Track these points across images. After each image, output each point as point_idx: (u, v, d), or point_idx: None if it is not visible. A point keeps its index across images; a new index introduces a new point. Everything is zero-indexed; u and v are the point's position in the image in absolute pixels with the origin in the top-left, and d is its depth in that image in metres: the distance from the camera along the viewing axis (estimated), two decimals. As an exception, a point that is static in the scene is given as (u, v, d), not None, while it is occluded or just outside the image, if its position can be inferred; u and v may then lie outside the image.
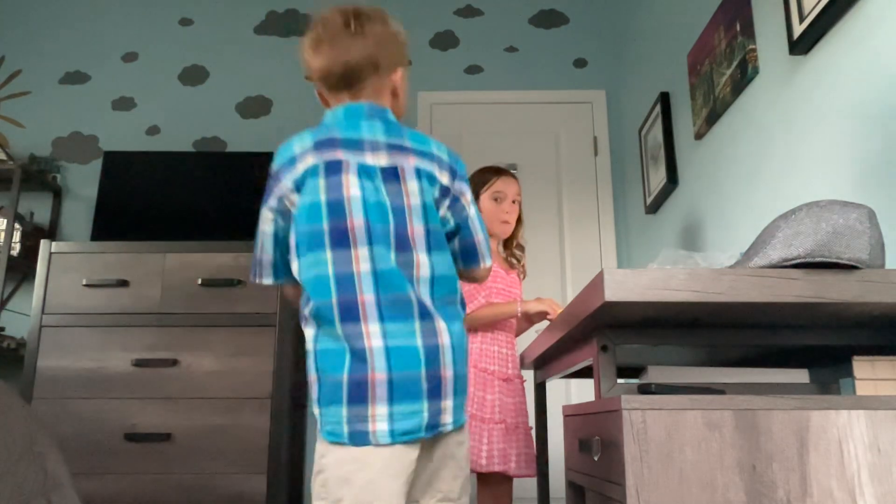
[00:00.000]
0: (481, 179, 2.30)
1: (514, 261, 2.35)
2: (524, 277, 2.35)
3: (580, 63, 3.69)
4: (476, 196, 2.28)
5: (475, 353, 2.12)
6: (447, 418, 1.20)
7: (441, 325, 1.21)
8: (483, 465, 2.00)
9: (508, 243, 2.37)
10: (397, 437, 1.14)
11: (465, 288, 2.14)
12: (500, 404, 2.09)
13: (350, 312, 1.17)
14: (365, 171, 1.23)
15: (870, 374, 1.11)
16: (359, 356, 1.16)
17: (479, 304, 2.14)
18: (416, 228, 1.24)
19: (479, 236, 1.36)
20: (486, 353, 2.14)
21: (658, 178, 2.82)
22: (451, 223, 1.32)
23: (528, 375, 3.22)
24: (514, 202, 2.28)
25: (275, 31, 3.75)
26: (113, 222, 3.15)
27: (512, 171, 2.35)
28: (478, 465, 2.00)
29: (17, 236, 3.27)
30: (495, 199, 2.26)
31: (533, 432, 2.18)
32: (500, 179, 2.27)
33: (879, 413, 0.98)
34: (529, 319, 2.29)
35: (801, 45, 1.67)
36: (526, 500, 2.99)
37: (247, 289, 2.84)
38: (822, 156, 1.65)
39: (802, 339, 1.23)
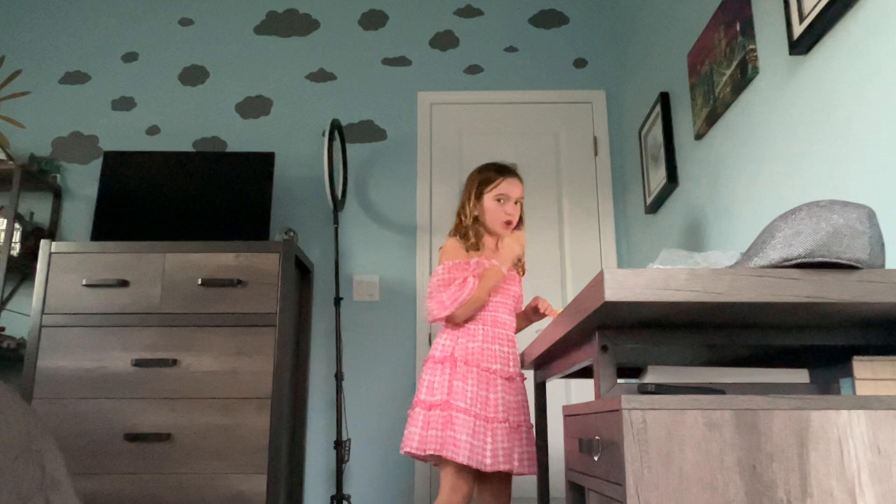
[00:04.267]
0: (485, 178, 2.29)
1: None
2: (523, 275, 2.36)
3: (580, 63, 3.69)
4: (479, 195, 2.28)
5: (477, 352, 2.12)
6: None
7: None
8: (488, 465, 1.99)
9: None
10: None
11: (455, 279, 2.15)
12: (504, 403, 2.09)
13: None
14: None
15: (870, 374, 1.11)
16: None
17: (473, 285, 2.11)
18: None
19: None
20: (488, 352, 2.14)
21: (658, 178, 2.82)
22: None
23: (528, 375, 3.22)
24: (516, 203, 2.28)
25: (275, 31, 3.75)
26: (113, 222, 3.15)
27: (516, 171, 2.33)
28: (482, 465, 1.99)
29: (17, 236, 3.27)
30: (498, 201, 2.26)
31: (533, 432, 2.18)
32: (504, 181, 2.27)
33: (879, 413, 0.98)
34: (528, 318, 2.31)
35: (801, 45, 1.67)
36: (526, 500, 2.99)
37: (247, 289, 2.84)
38: (822, 156, 1.65)
39: (802, 339, 1.23)
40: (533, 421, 2.72)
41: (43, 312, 2.82)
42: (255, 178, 3.20)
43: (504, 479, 2.17)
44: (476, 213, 2.28)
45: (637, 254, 3.28)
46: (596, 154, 3.56)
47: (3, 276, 3.09)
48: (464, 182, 2.39)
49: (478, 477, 2.12)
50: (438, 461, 2.09)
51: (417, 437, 2.04)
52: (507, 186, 2.26)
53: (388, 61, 3.70)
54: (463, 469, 2.03)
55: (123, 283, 2.84)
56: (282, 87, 3.66)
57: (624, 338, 1.24)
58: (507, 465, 2.03)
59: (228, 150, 3.57)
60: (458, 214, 2.31)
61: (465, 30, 3.74)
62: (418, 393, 2.13)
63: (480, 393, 2.07)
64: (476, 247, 2.22)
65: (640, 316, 1.16)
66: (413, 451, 2.05)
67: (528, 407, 2.18)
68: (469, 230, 2.24)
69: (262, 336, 2.79)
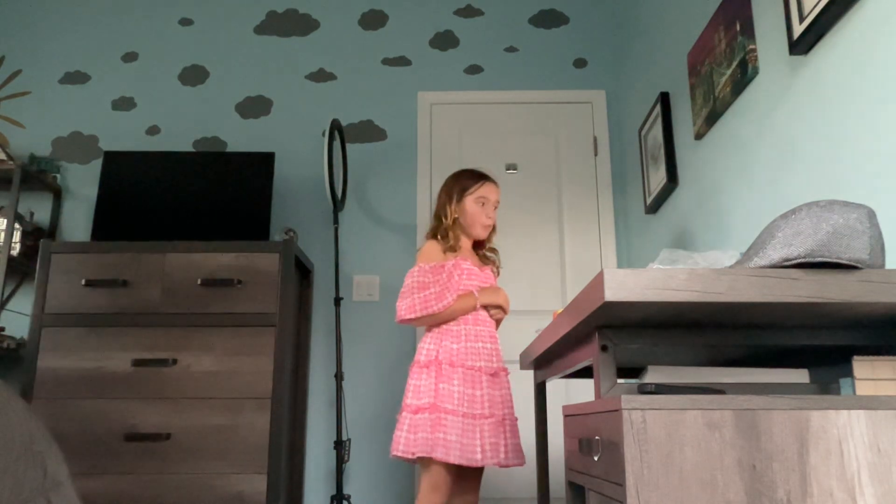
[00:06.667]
0: (466, 181, 2.38)
1: (486, 259, 2.44)
2: (498, 275, 2.44)
3: (580, 63, 3.69)
4: (460, 198, 2.36)
5: (461, 352, 2.18)
6: None
7: None
8: (479, 461, 2.06)
9: (480, 245, 2.44)
10: None
11: (429, 284, 2.20)
12: (489, 398, 2.16)
13: None
14: None
15: (870, 374, 1.11)
16: None
17: (449, 302, 2.18)
18: None
19: None
20: (472, 351, 2.19)
21: (658, 178, 2.82)
22: None
23: (529, 375, 3.22)
24: (494, 207, 2.39)
25: (275, 31, 3.75)
26: (113, 222, 3.15)
27: (493, 178, 2.42)
28: (474, 461, 2.05)
29: (17, 236, 3.27)
30: (479, 204, 2.35)
31: (533, 432, 2.20)
32: (485, 185, 2.37)
33: (879, 413, 0.98)
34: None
35: (801, 45, 1.67)
36: (526, 500, 2.99)
37: (247, 289, 2.84)
38: (822, 156, 1.65)
39: (802, 339, 1.23)
40: (533, 421, 2.72)
41: (43, 312, 2.82)
42: (255, 178, 3.20)
43: (478, 473, 2.25)
44: (456, 216, 2.35)
45: (637, 254, 3.28)
46: (596, 154, 3.56)
47: (3, 276, 3.09)
48: (440, 187, 2.46)
49: (458, 471, 2.16)
50: (427, 462, 2.11)
51: (403, 440, 2.10)
52: (487, 190, 2.37)
53: (388, 61, 3.70)
54: (446, 469, 2.08)
55: (123, 283, 2.84)
56: (282, 87, 3.66)
57: (624, 338, 1.24)
58: (494, 458, 2.10)
59: (228, 150, 3.57)
60: (437, 216, 2.40)
61: (465, 30, 3.74)
62: (405, 398, 2.18)
63: (467, 391, 2.13)
64: (454, 248, 2.31)
65: (640, 316, 1.16)
66: (399, 454, 2.11)
67: (511, 400, 2.26)
68: (449, 231, 2.33)
69: (262, 336, 2.79)
